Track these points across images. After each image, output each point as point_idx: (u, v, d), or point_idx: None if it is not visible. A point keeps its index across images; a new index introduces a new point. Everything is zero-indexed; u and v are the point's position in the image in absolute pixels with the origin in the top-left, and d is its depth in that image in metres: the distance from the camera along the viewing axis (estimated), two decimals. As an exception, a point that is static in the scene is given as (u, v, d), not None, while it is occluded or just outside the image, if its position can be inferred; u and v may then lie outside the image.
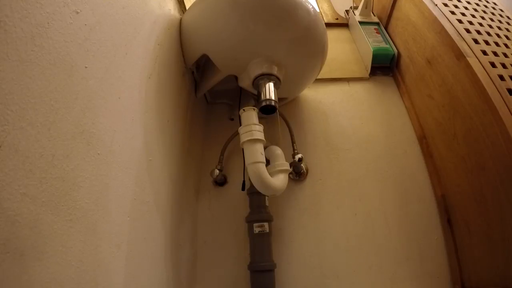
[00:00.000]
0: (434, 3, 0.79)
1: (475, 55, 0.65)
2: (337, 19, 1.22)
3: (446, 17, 0.75)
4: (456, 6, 0.79)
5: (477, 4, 0.81)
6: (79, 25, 0.33)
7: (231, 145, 0.81)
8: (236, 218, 0.74)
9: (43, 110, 0.27)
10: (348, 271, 0.69)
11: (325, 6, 1.30)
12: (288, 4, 0.62)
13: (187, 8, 0.74)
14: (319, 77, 0.86)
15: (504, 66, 0.64)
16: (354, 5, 1.18)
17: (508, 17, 0.80)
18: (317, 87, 0.97)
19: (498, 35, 0.72)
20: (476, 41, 0.69)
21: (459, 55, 0.67)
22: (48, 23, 0.28)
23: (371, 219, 0.75)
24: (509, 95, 0.59)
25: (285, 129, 0.83)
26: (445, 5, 0.78)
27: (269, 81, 0.61)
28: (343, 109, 0.93)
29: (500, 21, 0.77)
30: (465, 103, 0.66)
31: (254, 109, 0.62)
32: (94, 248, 0.34)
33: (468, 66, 0.64)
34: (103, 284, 0.36)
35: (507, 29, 0.75)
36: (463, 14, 0.76)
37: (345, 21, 1.20)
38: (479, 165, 0.62)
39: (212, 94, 0.91)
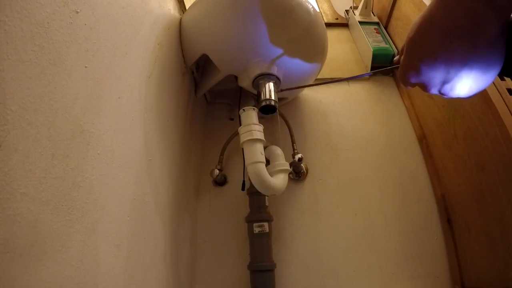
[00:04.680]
0: (434, 3, 0.79)
1: (475, 55, 0.65)
2: (337, 19, 1.23)
3: (446, 17, 0.75)
4: (456, 6, 0.79)
5: (477, 4, 0.81)
6: (79, 25, 0.33)
7: (231, 145, 0.81)
8: (236, 218, 0.74)
9: (43, 110, 0.27)
10: (348, 271, 0.69)
11: (325, 6, 1.31)
12: (288, 4, 0.62)
13: (187, 8, 0.74)
14: (319, 77, 0.86)
15: (504, 66, 0.64)
16: (354, 5, 1.18)
17: (508, 17, 0.80)
18: (317, 87, 0.97)
19: (498, 35, 0.72)
20: (476, 41, 0.69)
21: (459, 55, 0.67)
22: (48, 23, 0.28)
23: (371, 219, 0.75)
24: (509, 95, 0.58)
25: (285, 129, 0.83)
26: (445, 5, 0.78)
27: (269, 81, 0.61)
28: (343, 109, 0.93)
29: (500, 21, 0.77)
30: (465, 103, 0.66)
31: (254, 109, 0.62)
32: (94, 248, 0.34)
33: (468, 66, 0.64)
34: (103, 284, 0.35)
35: (507, 29, 0.75)
36: (463, 14, 0.76)
37: (345, 21, 1.20)
38: (479, 165, 0.62)
39: (212, 94, 0.91)
